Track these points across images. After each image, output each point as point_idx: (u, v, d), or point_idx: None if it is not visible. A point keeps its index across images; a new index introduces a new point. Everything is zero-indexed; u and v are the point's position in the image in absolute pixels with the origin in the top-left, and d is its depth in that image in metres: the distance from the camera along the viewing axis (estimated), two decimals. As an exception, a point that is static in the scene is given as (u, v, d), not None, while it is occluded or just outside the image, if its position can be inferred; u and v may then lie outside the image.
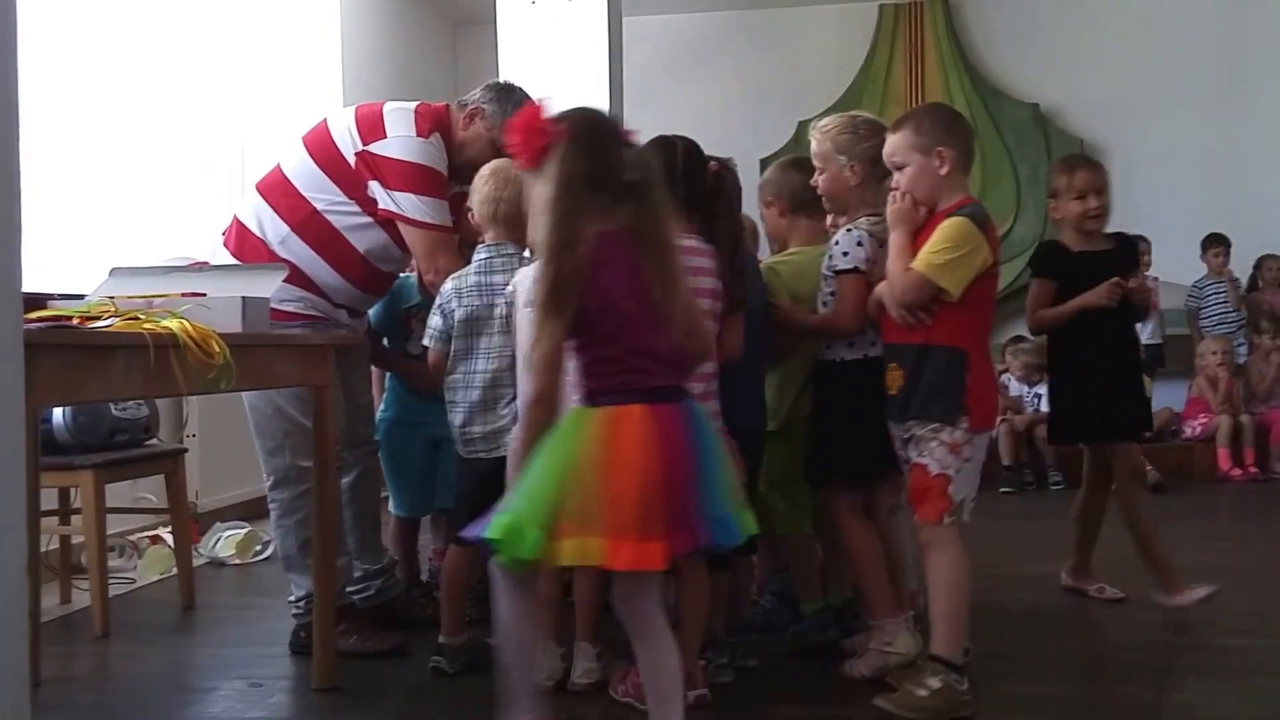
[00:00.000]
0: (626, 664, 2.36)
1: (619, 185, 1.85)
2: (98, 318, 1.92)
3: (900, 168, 2.32)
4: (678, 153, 2.34)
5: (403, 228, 2.67)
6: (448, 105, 2.84)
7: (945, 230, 2.27)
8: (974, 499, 2.33)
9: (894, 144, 2.34)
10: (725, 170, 2.46)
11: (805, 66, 7.51)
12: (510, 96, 2.83)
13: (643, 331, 1.81)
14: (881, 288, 2.35)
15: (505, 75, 4.81)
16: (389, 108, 2.75)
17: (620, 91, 5.35)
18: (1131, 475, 3.07)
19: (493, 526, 1.76)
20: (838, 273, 2.52)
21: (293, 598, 2.82)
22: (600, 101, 5.11)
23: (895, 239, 2.32)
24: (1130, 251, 3.13)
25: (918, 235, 2.31)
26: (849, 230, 2.52)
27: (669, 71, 7.44)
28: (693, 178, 2.33)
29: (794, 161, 2.83)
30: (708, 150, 2.45)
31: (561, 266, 1.79)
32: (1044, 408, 5.78)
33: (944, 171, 2.29)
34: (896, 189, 2.33)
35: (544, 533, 1.72)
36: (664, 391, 1.81)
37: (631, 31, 5.70)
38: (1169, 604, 2.92)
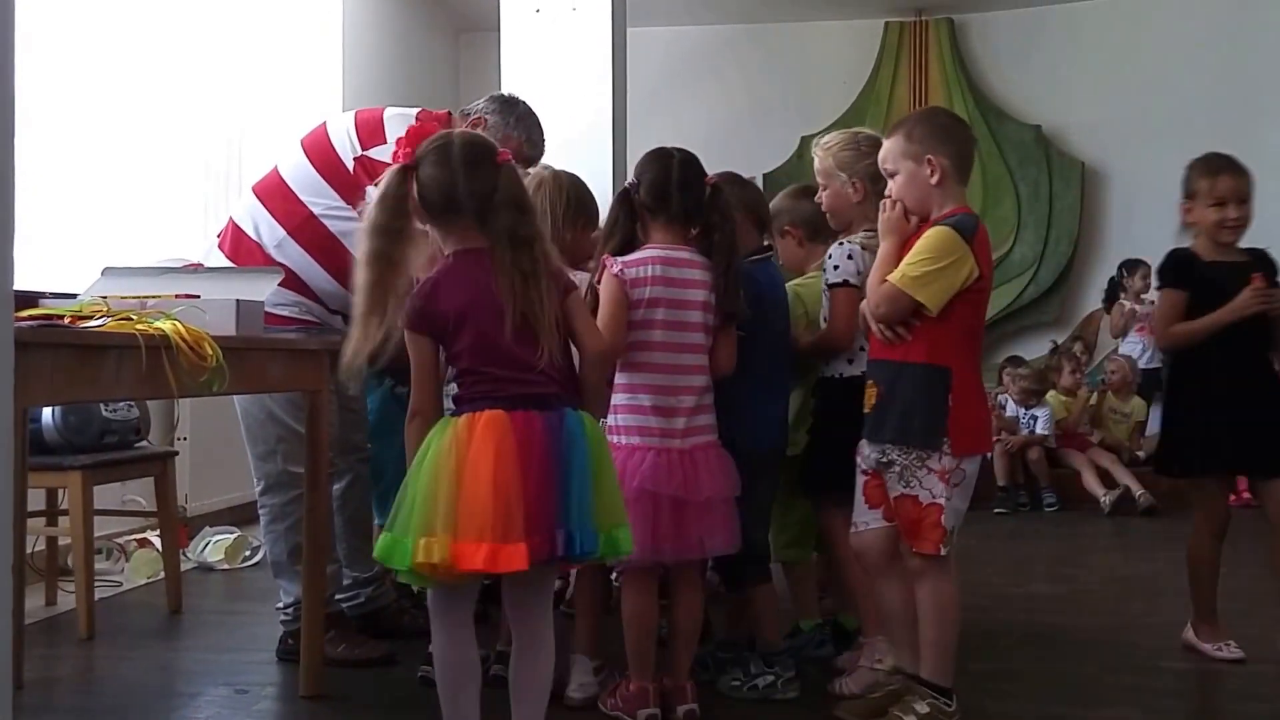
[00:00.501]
0: (619, 677, 2.36)
1: (482, 206, 1.91)
2: (90, 317, 1.91)
3: (893, 175, 2.27)
4: (674, 164, 2.33)
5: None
6: (449, 113, 2.83)
7: (926, 241, 2.19)
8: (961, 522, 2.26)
9: (886, 150, 2.29)
10: (722, 182, 2.44)
11: (810, 81, 7.52)
12: (513, 109, 2.83)
13: (503, 343, 1.88)
14: (865, 302, 2.30)
15: (508, 84, 4.81)
16: (390, 113, 2.74)
17: (624, 101, 5.34)
18: (1215, 515, 2.79)
19: (377, 547, 1.87)
20: (829, 286, 2.53)
21: (281, 604, 2.80)
22: (603, 112, 5.12)
23: (883, 249, 2.26)
24: (1269, 267, 2.79)
25: (906, 245, 2.23)
26: (840, 244, 2.53)
27: (674, 83, 7.45)
28: (689, 190, 2.32)
29: (804, 189, 2.83)
30: (713, 163, 2.44)
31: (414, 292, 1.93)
32: (1040, 429, 5.82)
33: (935, 180, 2.21)
34: (888, 197, 2.28)
35: (428, 537, 1.79)
36: (529, 399, 1.87)
37: (637, 42, 5.70)
38: (1193, 644, 2.83)
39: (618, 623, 2.35)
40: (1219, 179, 2.75)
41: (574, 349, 2.01)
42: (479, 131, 2.75)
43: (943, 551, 2.19)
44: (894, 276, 2.19)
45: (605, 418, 2.25)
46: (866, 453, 2.27)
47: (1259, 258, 2.78)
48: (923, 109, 2.58)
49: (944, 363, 2.19)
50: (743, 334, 2.40)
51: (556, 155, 2.95)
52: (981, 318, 2.29)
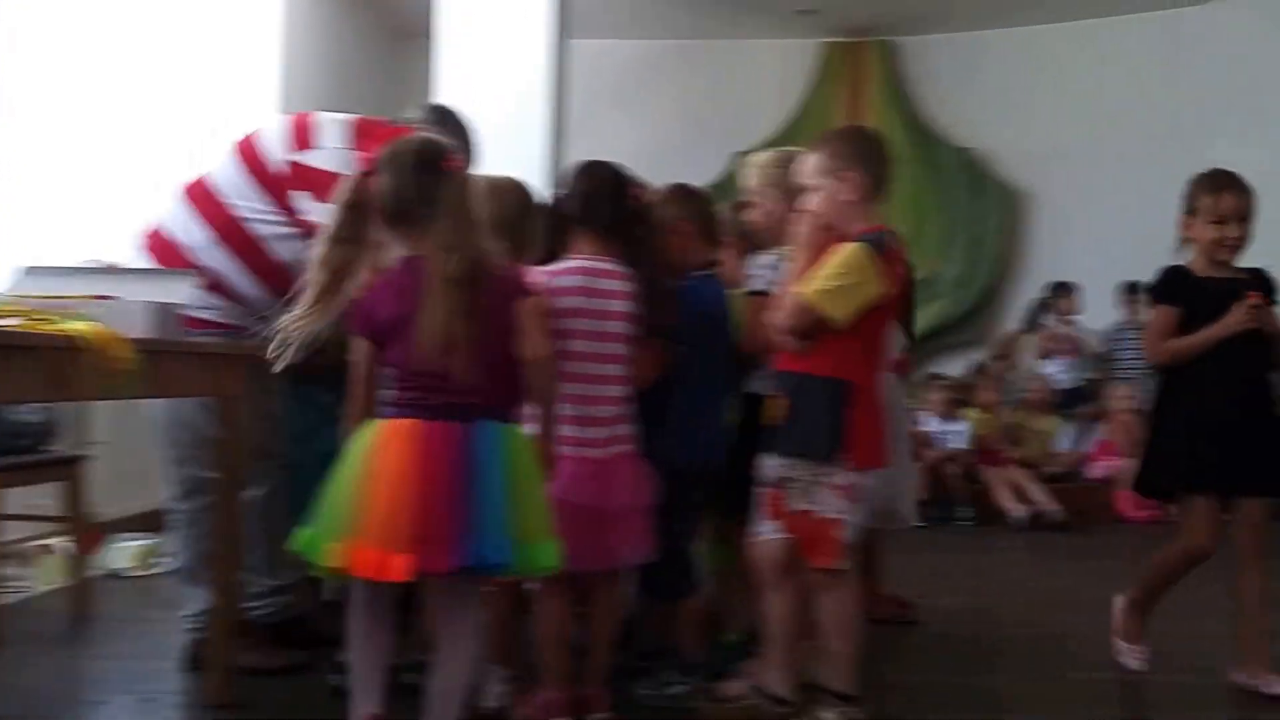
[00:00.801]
0: (533, 686, 2.35)
1: (427, 212, 1.93)
2: (3, 317, 1.86)
3: (812, 190, 2.31)
4: (601, 177, 2.36)
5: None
6: (383, 121, 2.82)
7: (837, 256, 2.22)
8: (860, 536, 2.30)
9: (806, 165, 2.34)
10: (673, 195, 2.49)
11: (747, 98, 7.61)
12: (447, 119, 2.83)
13: (426, 352, 1.89)
14: (773, 313, 2.33)
15: (443, 93, 4.80)
16: (323, 118, 2.73)
17: (561, 113, 5.35)
18: (1199, 535, 2.67)
19: (297, 539, 1.91)
20: (747, 295, 2.58)
21: (190, 612, 2.75)
22: (539, 123, 5.12)
23: (796, 262, 2.30)
24: (1265, 285, 2.74)
25: (820, 260, 2.26)
26: (761, 255, 2.59)
27: (611, 96, 7.48)
28: (615, 203, 2.35)
29: (745, 203, 2.87)
30: (646, 177, 2.47)
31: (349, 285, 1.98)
32: (958, 444, 5.95)
33: (850, 197, 2.26)
34: (804, 211, 2.32)
35: (334, 542, 1.84)
36: (449, 409, 1.89)
37: (574, 54, 5.71)
38: (1115, 622, 2.88)
39: (534, 632, 2.36)
40: (1222, 196, 2.69)
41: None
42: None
43: (841, 565, 2.23)
44: (804, 289, 2.22)
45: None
46: (768, 465, 2.30)
47: (1255, 276, 2.75)
48: (844, 126, 2.64)
49: (846, 377, 2.22)
50: (683, 347, 2.43)
51: (491, 165, 2.95)
52: (887, 333, 2.33)
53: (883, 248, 2.24)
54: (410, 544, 1.80)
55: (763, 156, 2.74)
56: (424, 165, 1.96)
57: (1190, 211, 2.75)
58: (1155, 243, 6.89)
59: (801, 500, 2.23)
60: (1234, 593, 2.73)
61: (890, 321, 2.33)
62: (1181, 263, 2.78)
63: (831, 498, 2.21)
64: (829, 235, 2.28)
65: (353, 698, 1.99)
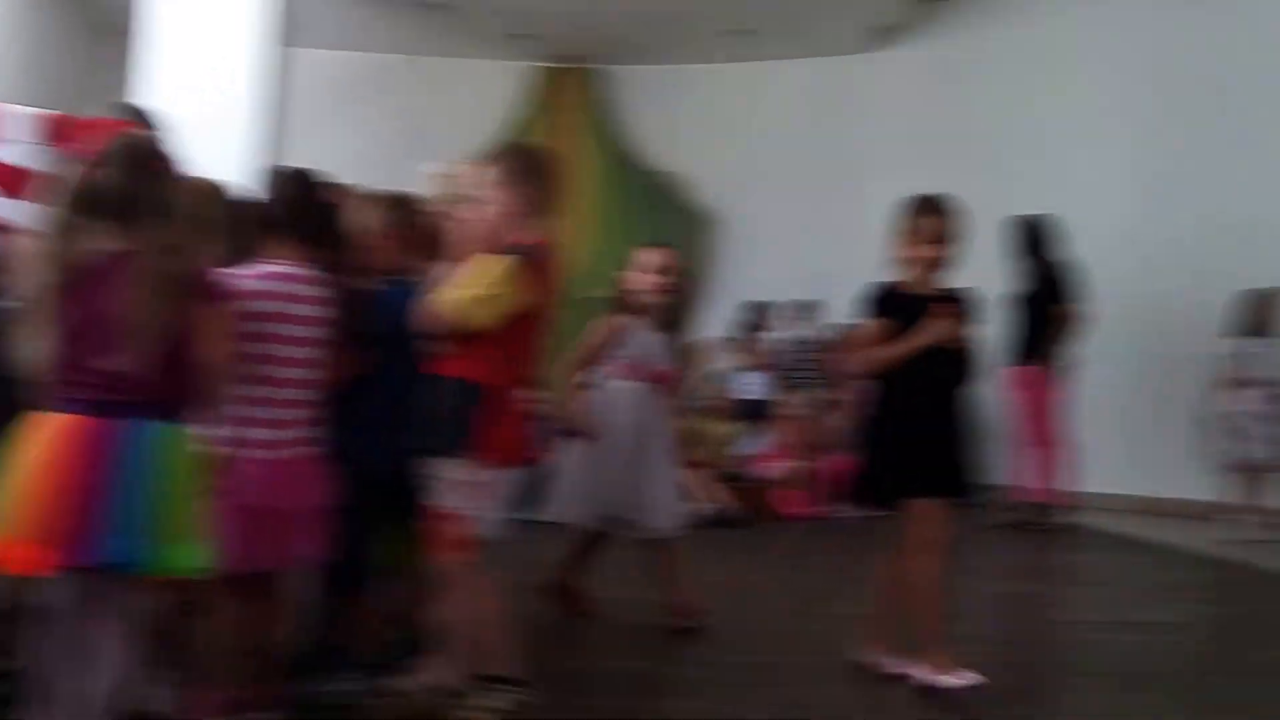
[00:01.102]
0: (204, 686, 2.30)
1: (145, 209, 1.97)
2: None
3: (479, 201, 2.41)
4: (300, 184, 2.41)
5: (12, 238, 2.61)
6: (77, 117, 2.82)
7: (479, 265, 2.30)
8: (499, 531, 2.37)
9: (477, 178, 2.45)
10: (382, 203, 2.56)
11: (465, 114, 7.76)
12: (142, 118, 2.86)
13: (95, 347, 1.91)
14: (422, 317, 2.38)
15: (144, 88, 4.68)
16: (11, 111, 2.69)
17: (280, 117, 5.31)
18: (932, 536, 2.78)
19: None
20: None
21: None
22: (243, 125, 5.06)
23: (451, 269, 2.37)
24: (964, 303, 2.90)
25: (472, 268, 2.32)
26: (444, 267, 2.68)
27: (334, 104, 7.45)
28: (312, 208, 2.39)
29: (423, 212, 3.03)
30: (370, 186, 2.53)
31: (42, 277, 1.95)
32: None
33: (511, 210, 2.36)
34: (465, 220, 2.41)
35: None
36: (114, 406, 1.91)
37: (299, 62, 5.65)
38: (939, 681, 2.79)
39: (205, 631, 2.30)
40: (926, 218, 2.83)
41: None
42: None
43: (471, 559, 2.32)
44: (441, 296, 2.31)
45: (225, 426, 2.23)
46: (426, 464, 2.38)
47: (955, 294, 2.89)
48: (517, 143, 2.70)
49: (481, 379, 2.31)
50: (377, 351, 2.48)
51: (192, 165, 2.99)
52: (534, 341, 2.43)
53: (533, 260, 2.34)
54: (53, 538, 1.82)
55: (439, 168, 2.81)
56: (149, 163, 1.98)
57: (901, 232, 2.88)
58: (829, 264, 7.67)
59: (436, 496, 2.32)
60: (882, 581, 2.89)
61: (538, 330, 2.40)
62: (889, 280, 2.92)
63: (459, 492, 2.29)
64: (489, 244, 2.37)
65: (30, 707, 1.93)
